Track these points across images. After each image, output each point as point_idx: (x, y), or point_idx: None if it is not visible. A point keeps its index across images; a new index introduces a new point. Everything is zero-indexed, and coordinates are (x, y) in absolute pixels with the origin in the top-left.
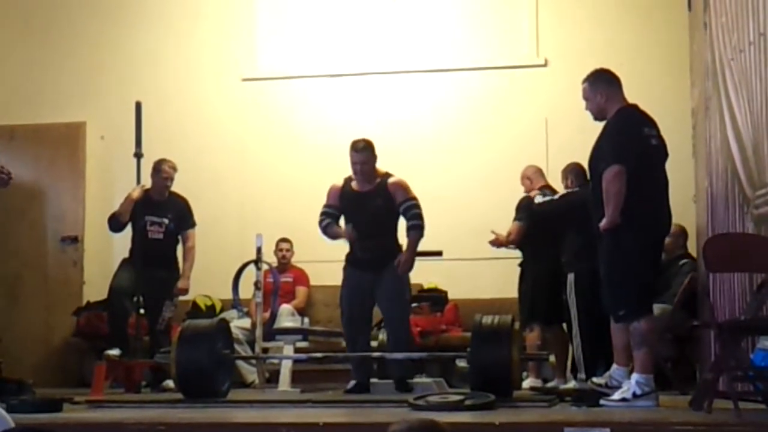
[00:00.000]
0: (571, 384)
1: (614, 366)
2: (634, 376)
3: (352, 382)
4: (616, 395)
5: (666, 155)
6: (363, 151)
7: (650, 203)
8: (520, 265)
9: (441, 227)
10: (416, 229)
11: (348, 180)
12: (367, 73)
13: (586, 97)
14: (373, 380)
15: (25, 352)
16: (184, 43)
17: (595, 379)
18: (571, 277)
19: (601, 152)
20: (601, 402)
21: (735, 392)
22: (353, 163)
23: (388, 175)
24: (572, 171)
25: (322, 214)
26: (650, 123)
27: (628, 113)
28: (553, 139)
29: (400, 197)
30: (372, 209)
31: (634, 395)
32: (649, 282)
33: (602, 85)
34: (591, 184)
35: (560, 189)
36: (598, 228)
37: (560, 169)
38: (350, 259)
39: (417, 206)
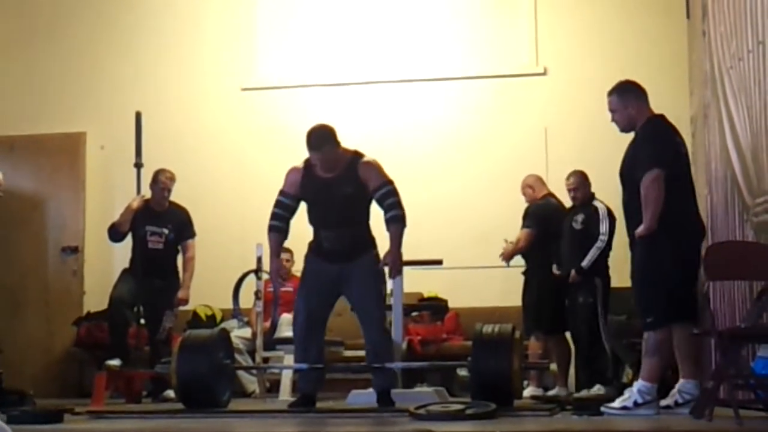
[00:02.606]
0: (595, 389)
1: (682, 380)
2: (638, 384)
3: (298, 395)
4: (617, 403)
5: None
6: (322, 149)
7: (684, 210)
8: (524, 273)
9: (441, 236)
10: (398, 221)
11: (310, 162)
12: (367, 82)
13: (612, 109)
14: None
15: (26, 363)
16: (184, 53)
17: (662, 402)
18: (598, 281)
19: (636, 160)
20: (602, 409)
21: (736, 400)
22: (313, 160)
23: (357, 155)
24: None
25: (276, 205)
26: (677, 132)
27: (659, 122)
28: (552, 148)
29: (374, 183)
30: (340, 197)
31: (636, 404)
32: (680, 291)
33: (632, 97)
34: (625, 193)
35: (564, 197)
36: (632, 235)
37: (560, 178)
38: (314, 249)
39: (394, 192)
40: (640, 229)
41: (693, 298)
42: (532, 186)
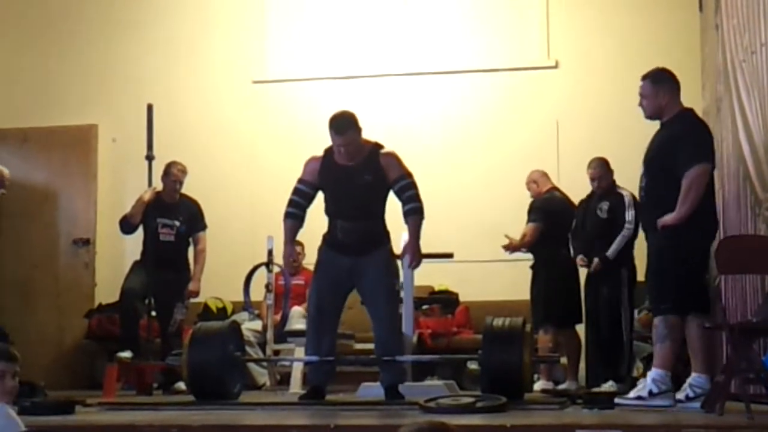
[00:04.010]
0: (608, 385)
1: (694, 374)
2: (651, 373)
3: (308, 387)
4: (631, 394)
5: None
6: (346, 133)
7: (710, 204)
8: (532, 267)
9: (452, 229)
10: (416, 213)
11: (330, 151)
12: (377, 75)
13: (644, 94)
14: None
15: (37, 354)
16: (195, 46)
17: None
18: (624, 273)
19: (668, 150)
20: (616, 401)
21: (747, 394)
22: (336, 146)
23: (378, 146)
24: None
25: (294, 193)
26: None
27: (695, 116)
28: (563, 141)
29: (394, 174)
30: (359, 186)
31: (651, 393)
32: (699, 282)
33: (666, 86)
34: (649, 180)
35: (570, 190)
36: (649, 221)
37: (571, 171)
38: (328, 240)
39: (414, 185)
40: (670, 218)
41: (707, 291)
42: (537, 181)
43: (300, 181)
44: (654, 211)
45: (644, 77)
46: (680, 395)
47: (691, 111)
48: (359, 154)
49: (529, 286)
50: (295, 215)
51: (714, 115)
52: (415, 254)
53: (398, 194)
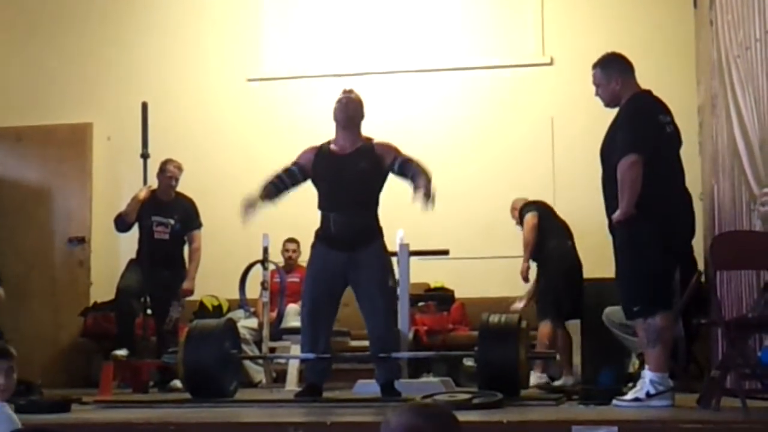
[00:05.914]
0: None
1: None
2: (648, 375)
3: (304, 384)
4: (629, 395)
5: (680, 143)
6: (351, 92)
7: (665, 193)
8: (536, 259)
9: (447, 226)
10: (422, 166)
11: (326, 143)
12: (372, 72)
13: (597, 83)
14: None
15: (33, 353)
16: (190, 44)
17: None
18: None
19: (614, 141)
20: (614, 402)
21: (743, 390)
22: (343, 95)
23: (371, 139)
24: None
25: (283, 170)
26: (664, 109)
27: (642, 100)
28: (559, 138)
29: (391, 157)
30: (354, 174)
31: (648, 395)
32: (665, 276)
33: (616, 71)
34: (603, 175)
35: (565, 187)
36: (610, 220)
37: (566, 169)
38: (321, 236)
39: (414, 159)
40: (617, 215)
41: (672, 287)
42: (516, 207)
43: (293, 163)
44: (610, 207)
45: (594, 65)
46: (640, 393)
47: (641, 94)
48: (354, 143)
49: (536, 278)
50: (276, 185)
51: (709, 111)
52: (429, 183)
53: (401, 170)
